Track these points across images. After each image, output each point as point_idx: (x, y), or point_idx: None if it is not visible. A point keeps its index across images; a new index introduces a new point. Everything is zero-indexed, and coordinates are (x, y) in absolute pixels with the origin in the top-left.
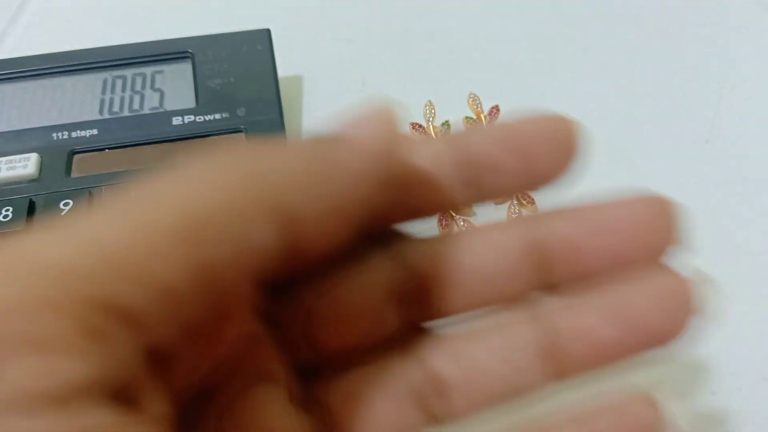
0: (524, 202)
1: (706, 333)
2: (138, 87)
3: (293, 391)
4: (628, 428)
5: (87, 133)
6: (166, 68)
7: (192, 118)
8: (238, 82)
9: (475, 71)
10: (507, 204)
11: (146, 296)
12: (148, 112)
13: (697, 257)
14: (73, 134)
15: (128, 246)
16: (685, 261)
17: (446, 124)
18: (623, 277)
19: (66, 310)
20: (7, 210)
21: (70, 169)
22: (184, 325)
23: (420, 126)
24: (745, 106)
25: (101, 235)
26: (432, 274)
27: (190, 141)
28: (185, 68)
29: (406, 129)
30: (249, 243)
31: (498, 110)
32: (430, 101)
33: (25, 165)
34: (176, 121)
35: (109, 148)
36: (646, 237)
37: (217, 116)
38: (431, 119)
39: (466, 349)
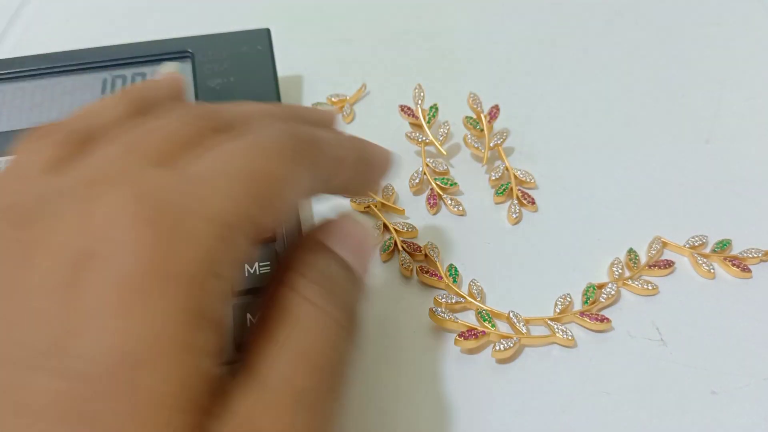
0: (525, 202)
1: (707, 333)
2: None
3: None
4: None
5: None
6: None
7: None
8: (238, 81)
9: (474, 71)
10: (507, 203)
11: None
12: None
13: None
14: None
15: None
16: None
17: (434, 107)
18: None
19: None
20: None
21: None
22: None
23: (409, 108)
24: (745, 106)
25: None
26: None
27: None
28: (185, 68)
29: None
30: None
31: (498, 110)
32: (419, 85)
33: None
34: None
35: None
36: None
37: None
38: (420, 102)
39: None
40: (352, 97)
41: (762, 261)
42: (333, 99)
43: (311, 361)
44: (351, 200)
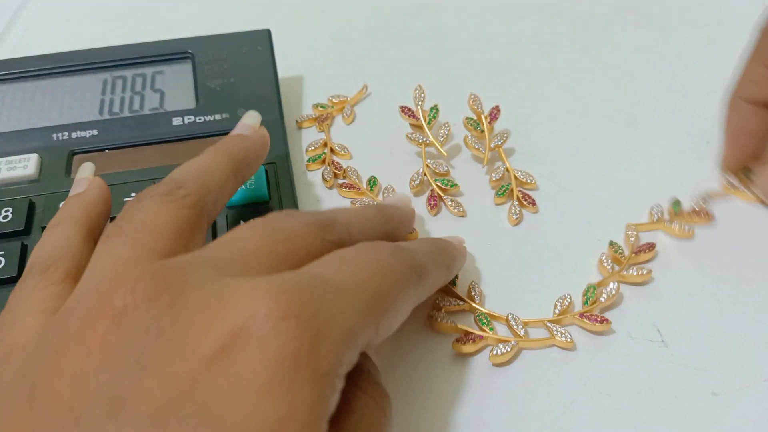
0: (525, 202)
1: (708, 333)
2: (138, 87)
3: None
4: None
5: (87, 133)
6: (167, 69)
7: (192, 118)
8: (239, 82)
9: (475, 71)
10: (507, 204)
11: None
12: (148, 112)
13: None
14: (73, 135)
15: None
16: None
17: (435, 108)
18: None
19: None
20: (6, 210)
21: (70, 170)
22: None
23: (409, 109)
24: None
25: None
26: None
27: (191, 141)
28: (185, 69)
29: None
30: None
31: (498, 111)
32: (419, 86)
33: (25, 165)
34: (176, 121)
35: (109, 149)
36: None
37: (218, 117)
38: (420, 103)
39: None
40: (353, 98)
41: (716, 200)
42: (333, 100)
43: None
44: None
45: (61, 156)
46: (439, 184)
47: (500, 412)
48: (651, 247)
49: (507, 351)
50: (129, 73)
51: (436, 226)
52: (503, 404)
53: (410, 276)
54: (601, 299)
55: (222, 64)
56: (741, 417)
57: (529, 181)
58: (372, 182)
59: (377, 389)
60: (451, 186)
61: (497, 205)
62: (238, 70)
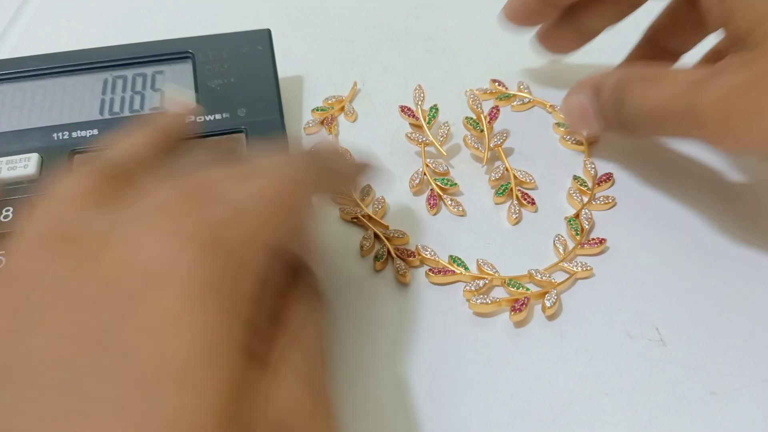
0: (524, 202)
1: (707, 333)
2: (138, 87)
3: None
4: None
5: (87, 133)
6: (167, 68)
7: (192, 118)
8: (239, 82)
9: (475, 72)
10: (507, 204)
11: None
12: (148, 112)
13: (699, 258)
14: (74, 134)
15: None
16: None
17: (434, 108)
18: None
19: None
20: (7, 210)
21: (71, 170)
22: None
23: (409, 109)
24: None
25: None
26: None
27: (191, 141)
28: (186, 68)
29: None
30: None
31: (498, 111)
32: (419, 86)
33: (25, 165)
34: None
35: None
36: None
37: (218, 117)
38: (420, 103)
39: None
40: (347, 97)
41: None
42: (329, 101)
43: (309, 348)
44: (339, 212)
45: (61, 156)
46: (438, 183)
47: (500, 411)
48: (608, 177)
49: (555, 300)
50: (129, 72)
51: (435, 226)
52: (503, 404)
53: (315, 178)
54: (585, 225)
55: (222, 64)
56: (740, 417)
57: (528, 180)
58: (366, 192)
59: (311, 291)
60: (451, 185)
61: (497, 204)
62: (239, 70)
